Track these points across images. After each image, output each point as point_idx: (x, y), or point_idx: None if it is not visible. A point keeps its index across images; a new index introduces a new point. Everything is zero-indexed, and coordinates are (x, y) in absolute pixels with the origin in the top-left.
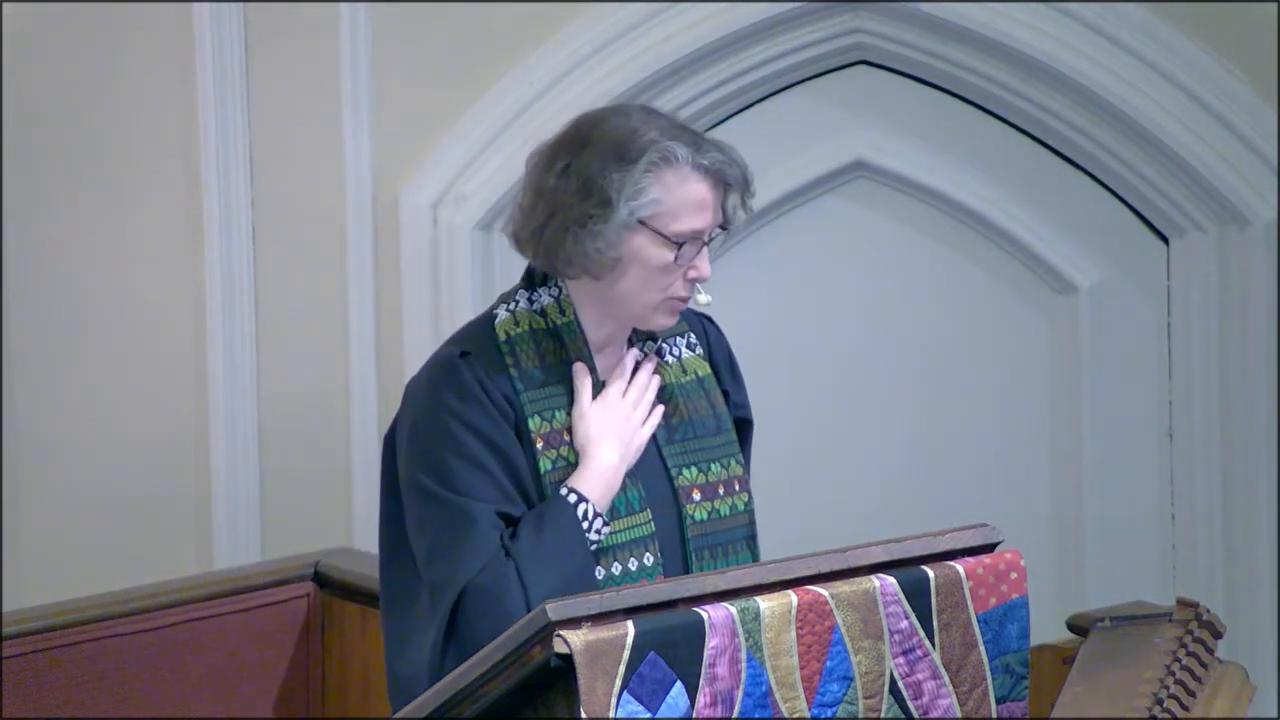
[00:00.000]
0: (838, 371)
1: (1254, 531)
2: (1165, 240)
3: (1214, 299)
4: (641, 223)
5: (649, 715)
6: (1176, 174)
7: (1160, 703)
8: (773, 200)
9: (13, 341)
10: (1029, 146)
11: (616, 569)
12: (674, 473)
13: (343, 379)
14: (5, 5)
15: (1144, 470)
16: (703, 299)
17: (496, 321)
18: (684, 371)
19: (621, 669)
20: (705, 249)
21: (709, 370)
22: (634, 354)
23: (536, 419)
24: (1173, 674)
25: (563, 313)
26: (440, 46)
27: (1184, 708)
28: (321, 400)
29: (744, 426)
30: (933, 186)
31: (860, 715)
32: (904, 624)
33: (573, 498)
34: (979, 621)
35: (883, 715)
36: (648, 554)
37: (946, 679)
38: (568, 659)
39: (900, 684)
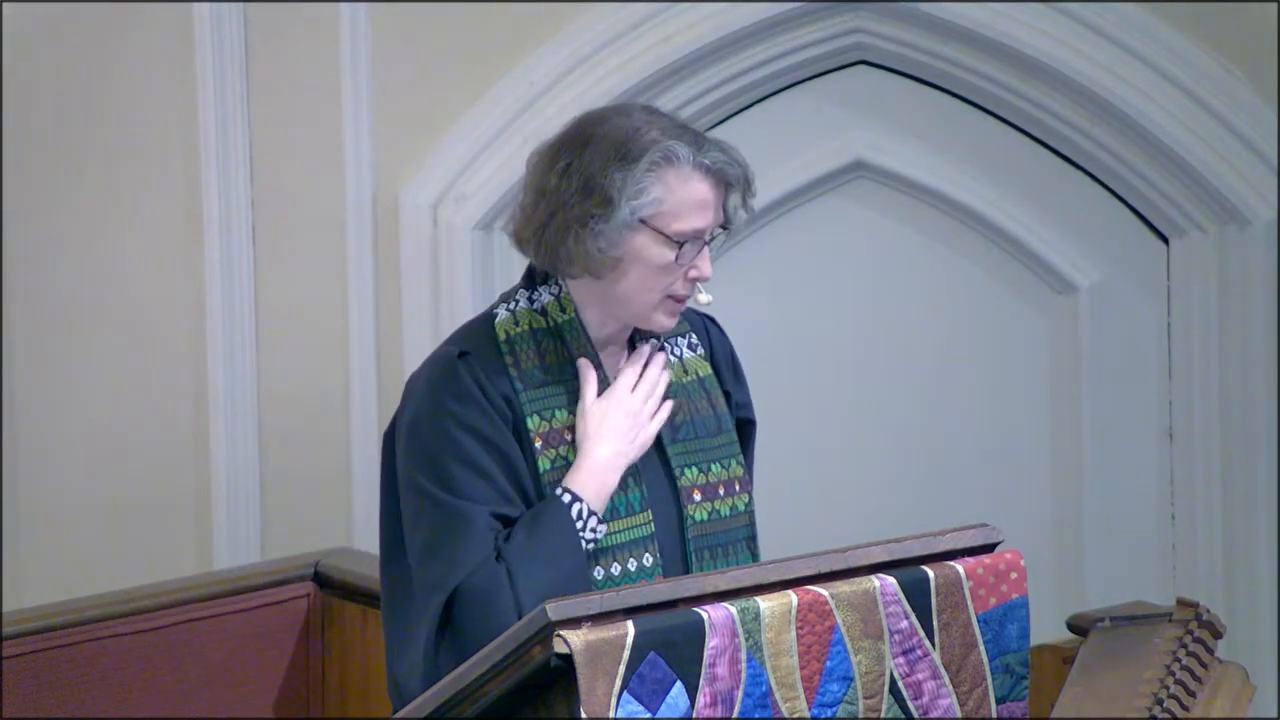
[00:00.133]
0: (837, 371)
1: (1254, 531)
2: (1165, 240)
3: (1214, 299)
4: (643, 222)
5: (649, 715)
6: (1176, 174)
7: (1160, 703)
8: (773, 200)
9: (13, 341)
10: (1029, 146)
11: (616, 569)
12: (676, 473)
13: (343, 379)
14: (5, 5)
15: (1144, 470)
16: (703, 298)
17: (496, 321)
18: (685, 372)
19: (621, 669)
20: (706, 248)
21: (710, 370)
22: (647, 348)
23: (536, 418)
24: (1173, 674)
25: (563, 310)
26: (440, 46)
27: (1184, 708)
28: (321, 400)
29: (747, 427)
30: (933, 186)
31: (860, 715)
32: (904, 624)
33: (566, 497)
34: (979, 621)
35: (883, 715)
36: (647, 554)
37: (946, 679)
38: (568, 659)
39: (900, 684)
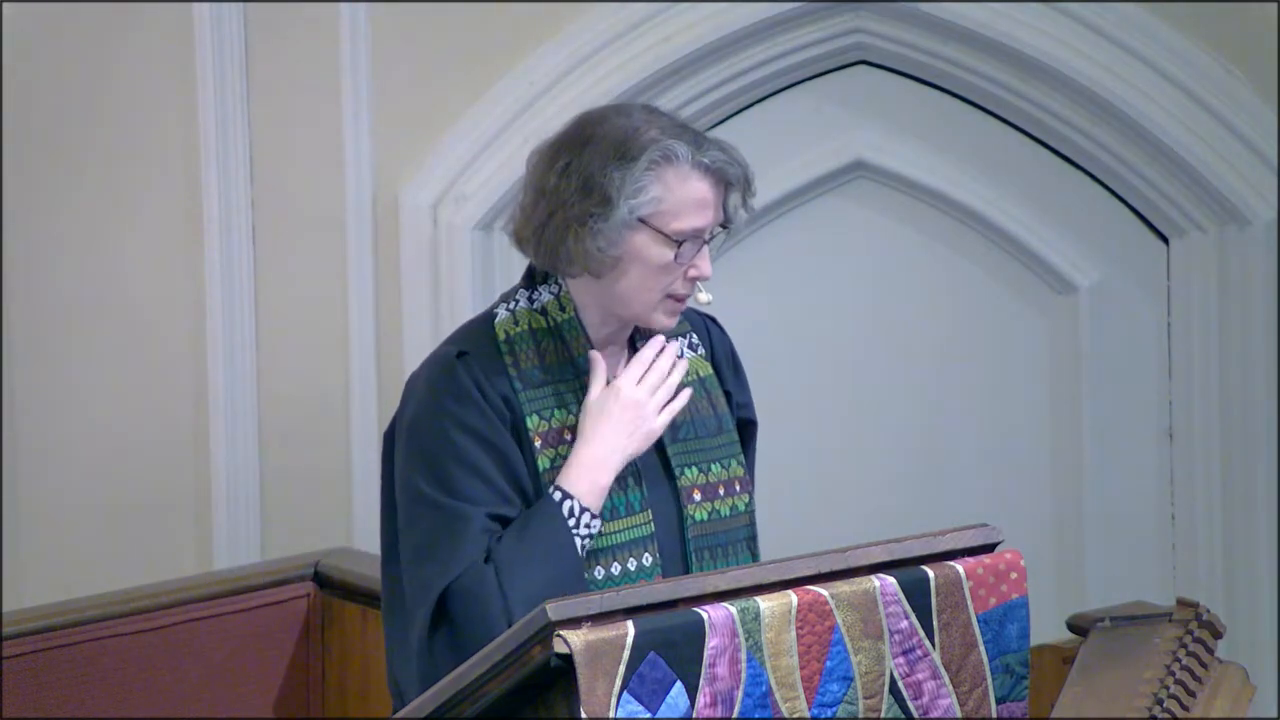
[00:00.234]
0: (837, 371)
1: (1254, 531)
2: (1165, 240)
3: (1214, 299)
4: (642, 221)
5: (649, 715)
6: (1176, 174)
7: (1160, 703)
8: (773, 200)
9: (13, 341)
10: (1029, 146)
11: (616, 569)
12: (676, 472)
13: (343, 379)
14: (5, 5)
15: (1144, 470)
16: (704, 297)
17: (496, 320)
18: (686, 371)
19: (621, 669)
20: (706, 248)
21: (711, 370)
22: (660, 339)
23: (535, 418)
24: (1173, 674)
25: (563, 310)
26: (440, 46)
27: (1184, 708)
28: (321, 400)
29: (748, 427)
30: (933, 186)
31: (860, 715)
32: (904, 624)
33: (558, 495)
34: (979, 621)
35: (883, 715)
36: (647, 554)
37: (946, 679)
38: (568, 659)
39: (900, 684)
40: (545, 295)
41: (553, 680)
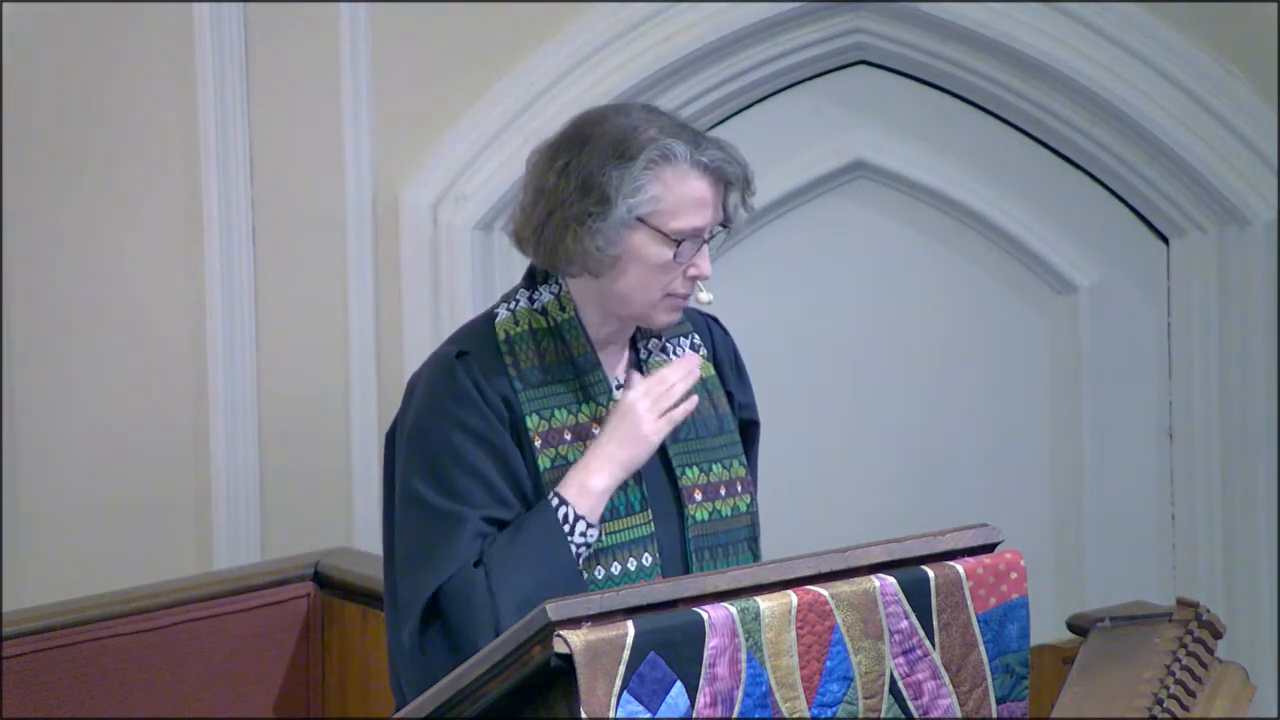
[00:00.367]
0: (837, 371)
1: (1254, 531)
2: (1165, 240)
3: (1214, 299)
4: (640, 220)
5: (649, 715)
6: (1176, 174)
7: (1160, 703)
8: (773, 200)
9: (13, 341)
10: (1029, 146)
11: (616, 569)
12: (677, 472)
13: (343, 379)
14: (5, 5)
15: (1144, 470)
16: (704, 297)
17: (497, 320)
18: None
19: (621, 669)
20: (705, 247)
21: (712, 371)
22: (687, 364)
23: (535, 417)
24: (1173, 674)
25: (563, 309)
26: (440, 46)
27: (1184, 708)
28: (321, 400)
29: (750, 427)
30: (933, 186)
31: (860, 715)
32: (904, 624)
33: (554, 501)
34: (979, 621)
35: (883, 715)
36: (646, 554)
37: (946, 679)
38: (568, 659)
39: (900, 684)
40: (546, 295)
41: (553, 680)
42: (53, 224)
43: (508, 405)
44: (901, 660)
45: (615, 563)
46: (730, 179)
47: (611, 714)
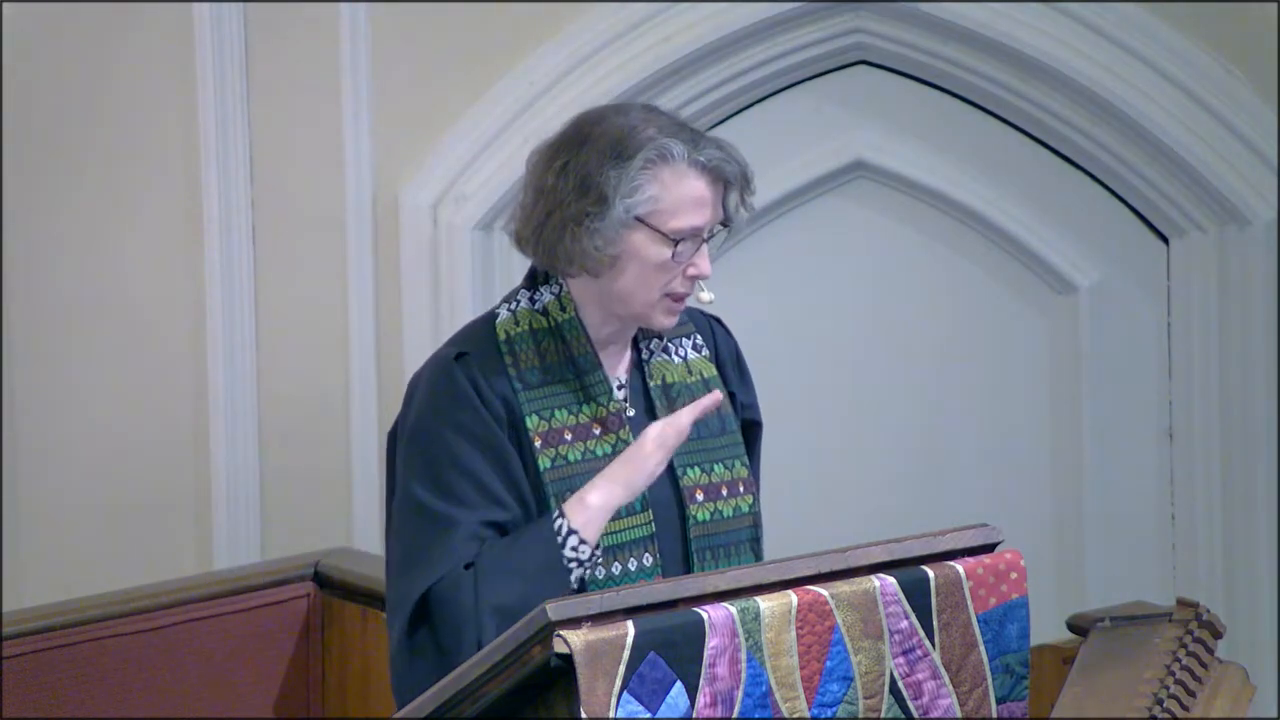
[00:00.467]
0: (837, 371)
1: (1254, 531)
2: (1165, 240)
3: (1214, 299)
4: (639, 220)
5: (649, 715)
6: (1176, 174)
7: (1160, 703)
8: (773, 200)
9: (13, 341)
10: (1029, 146)
11: (616, 569)
12: (679, 473)
13: (343, 379)
14: (5, 5)
15: (1144, 470)
16: (705, 296)
17: (497, 321)
18: (689, 372)
19: (621, 669)
20: (704, 246)
21: (714, 371)
22: (715, 395)
23: (535, 418)
24: (1173, 674)
25: (564, 309)
26: (440, 46)
27: (1184, 708)
28: (321, 400)
29: (753, 428)
30: (933, 186)
31: (860, 715)
32: (904, 624)
33: (555, 513)
34: (979, 621)
35: (883, 715)
36: (647, 554)
37: (946, 679)
38: (568, 659)
39: (900, 684)
40: (546, 295)
41: (553, 680)
42: (53, 224)
43: (507, 405)
44: (901, 660)
45: (616, 563)
46: (729, 178)
47: (611, 714)
